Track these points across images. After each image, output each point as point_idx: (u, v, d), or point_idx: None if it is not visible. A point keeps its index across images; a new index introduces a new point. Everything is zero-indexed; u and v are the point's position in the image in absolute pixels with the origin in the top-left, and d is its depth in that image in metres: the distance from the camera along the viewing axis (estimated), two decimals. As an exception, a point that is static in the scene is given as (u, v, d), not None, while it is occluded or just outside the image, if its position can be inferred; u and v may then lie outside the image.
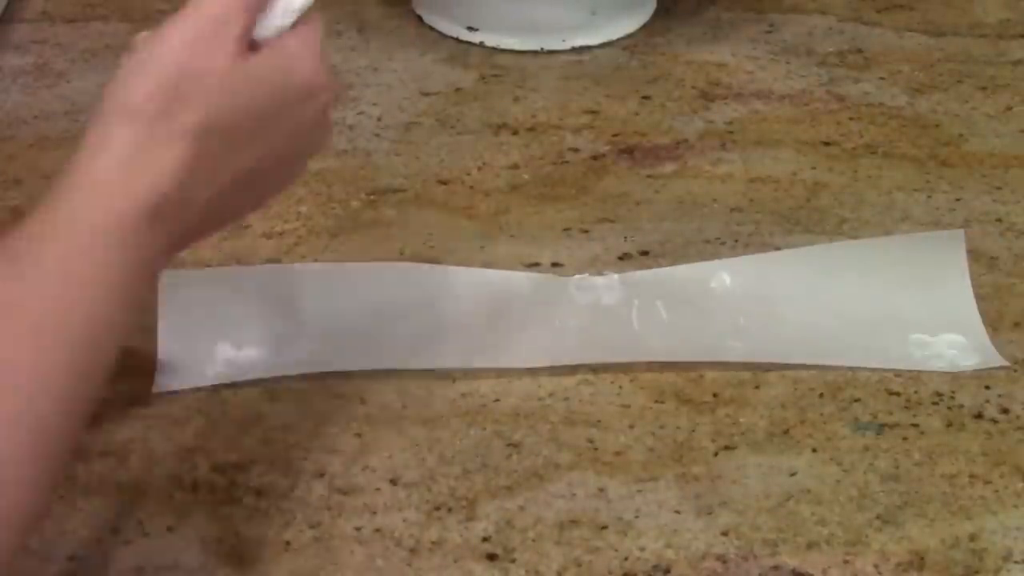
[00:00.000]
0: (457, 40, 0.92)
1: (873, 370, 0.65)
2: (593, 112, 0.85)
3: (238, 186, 0.51)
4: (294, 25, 0.51)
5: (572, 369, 0.65)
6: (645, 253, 0.73)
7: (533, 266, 0.72)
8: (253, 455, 0.61)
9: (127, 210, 0.46)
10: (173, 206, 0.47)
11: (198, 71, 0.48)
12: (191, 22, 0.49)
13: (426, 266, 0.71)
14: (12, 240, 0.45)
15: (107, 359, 0.46)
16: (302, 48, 0.51)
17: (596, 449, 0.61)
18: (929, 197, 0.77)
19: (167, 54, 0.48)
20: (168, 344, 0.65)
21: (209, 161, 0.48)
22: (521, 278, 0.70)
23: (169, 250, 0.49)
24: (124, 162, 0.46)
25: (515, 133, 0.83)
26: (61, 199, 0.46)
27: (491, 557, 0.56)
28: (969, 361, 0.66)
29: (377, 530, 0.57)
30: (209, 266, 0.70)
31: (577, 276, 0.70)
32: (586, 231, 0.75)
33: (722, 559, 0.56)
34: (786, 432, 0.62)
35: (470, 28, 0.92)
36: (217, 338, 0.65)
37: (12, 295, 0.44)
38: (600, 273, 0.70)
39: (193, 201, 0.49)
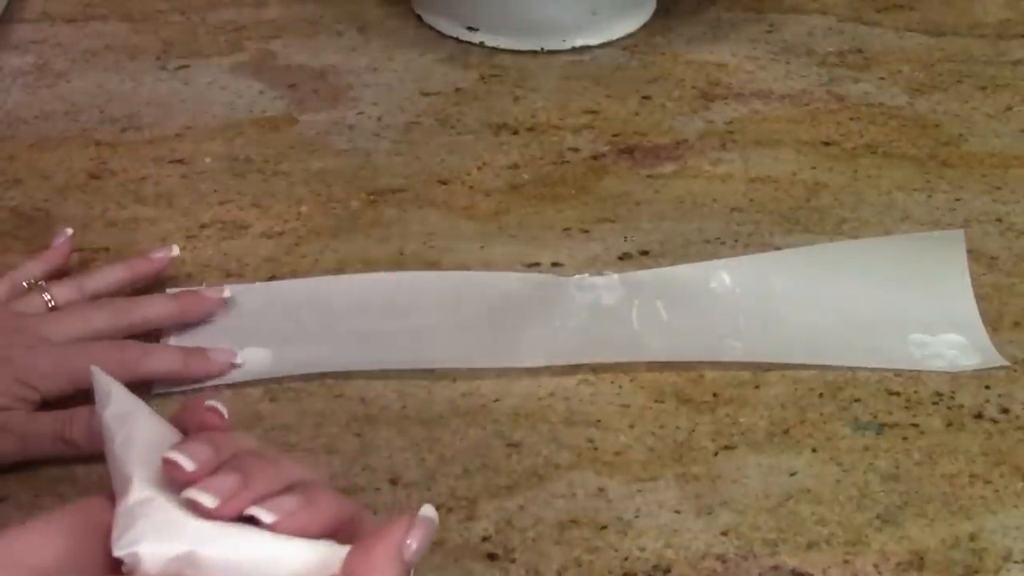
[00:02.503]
0: (457, 40, 0.92)
1: (873, 370, 0.65)
2: (593, 112, 0.85)
3: None
4: None
5: (572, 369, 0.65)
6: (645, 253, 0.73)
7: (533, 266, 0.72)
8: (253, 455, 0.60)
9: None
10: None
11: None
12: None
13: (425, 273, 0.71)
14: None
15: None
16: None
17: (596, 449, 0.61)
18: (929, 197, 0.77)
19: None
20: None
21: None
22: (521, 278, 0.70)
23: None
24: None
25: (515, 133, 0.83)
26: None
27: (491, 557, 0.56)
28: (969, 361, 0.66)
29: (377, 530, 0.57)
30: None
31: (577, 276, 0.70)
32: (586, 231, 0.75)
33: (722, 559, 0.56)
34: (786, 432, 0.62)
35: (470, 28, 0.92)
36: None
37: None
38: (600, 273, 0.70)
39: None
